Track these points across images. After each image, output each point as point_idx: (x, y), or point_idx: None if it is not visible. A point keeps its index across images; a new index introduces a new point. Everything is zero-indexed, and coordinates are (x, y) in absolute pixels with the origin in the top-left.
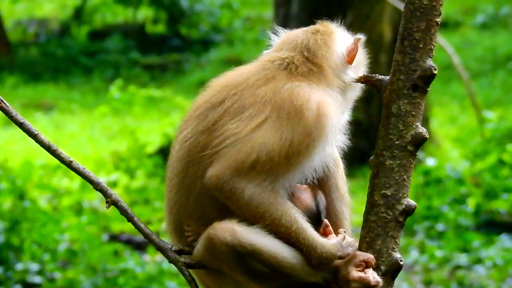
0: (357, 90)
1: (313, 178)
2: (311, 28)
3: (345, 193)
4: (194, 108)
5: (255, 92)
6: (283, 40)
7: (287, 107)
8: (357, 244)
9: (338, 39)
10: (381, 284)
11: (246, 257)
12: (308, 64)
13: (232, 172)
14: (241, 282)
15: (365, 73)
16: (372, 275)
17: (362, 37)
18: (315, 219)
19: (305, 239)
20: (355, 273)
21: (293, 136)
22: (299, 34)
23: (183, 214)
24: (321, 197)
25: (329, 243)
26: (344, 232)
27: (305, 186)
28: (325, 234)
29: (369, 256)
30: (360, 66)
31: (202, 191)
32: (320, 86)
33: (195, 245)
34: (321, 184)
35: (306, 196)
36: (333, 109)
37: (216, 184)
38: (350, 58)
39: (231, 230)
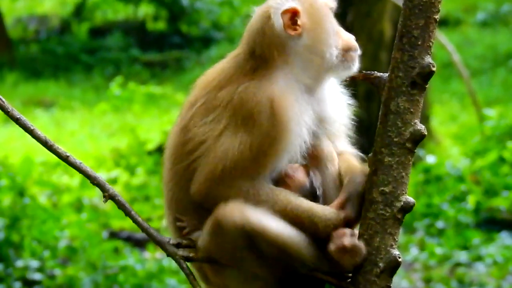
0: (323, 51)
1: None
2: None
3: (337, 163)
4: (183, 105)
5: (217, 95)
6: (246, 29)
7: (241, 113)
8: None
9: (273, 12)
10: (357, 245)
11: (254, 238)
12: (253, 57)
13: (210, 184)
14: (246, 270)
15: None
16: (348, 240)
17: None
18: (311, 196)
19: (303, 212)
20: (331, 245)
21: (252, 140)
22: (250, 21)
23: (179, 208)
24: (315, 173)
25: (328, 207)
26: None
27: (297, 164)
28: None
29: (347, 230)
30: (317, 26)
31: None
32: (271, 79)
33: (195, 238)
34: (315, 156)
35: (299, 175)
36: (289, 100)
37: (200, 199)
38: (290, 28)
39: (239, 209)
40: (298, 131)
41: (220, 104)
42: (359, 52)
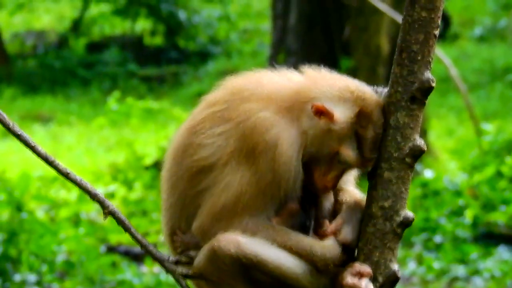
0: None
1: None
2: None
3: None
4: (200, 101)
5: (240, 106)
6: (313, 80)
7: (247, 145)
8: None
9: None
10: None
11: (250, 268)
12: (296, 100)
13: (210, 221)
14: None
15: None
16: (365, 284)
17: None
18: (300, 224)
19: (303, 250)
20: (349, 279)
21: (251, 179)
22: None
23: (175, 217)
24: (307, 204)
25: (327, 243)
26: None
27: None
28: (324, 237)
29: (366, 269)
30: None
31: (188, 193)
32: (291, 125)
33: (194, 255)
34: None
35: (292, 202)
36: (293, 150)
37: (201, 236)
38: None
39: (235, 241)
40: (296, 178)
41: (235, 119)
42: None
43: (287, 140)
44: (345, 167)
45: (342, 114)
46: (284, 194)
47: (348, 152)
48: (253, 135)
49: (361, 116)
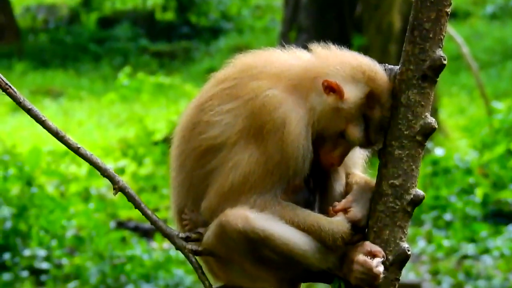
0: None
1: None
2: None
3: (343, 175)
4: (210, 78)
5: (248, 84)
6: (324, 58)
7: (256, 124)
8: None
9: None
10: (382, 275)
11: (258, 244)
12: (304, 76)
13: (218, 201)
14: (250, 271)
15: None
16: (376, 263)
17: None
18: (304, 200)
19: (311, 225)
20: (361, 256)
21: (259, 159)
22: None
23: (183, 196)
24: (312, 180)
25: (335, 219)
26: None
27: None
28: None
29: (377, 249)
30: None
31: (196, 173)
32: (298, 102)
33: (203, 232)
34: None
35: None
36: (300, 127)
37: (210, 216)
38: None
39: (243, 216)
40: (305, 156)
41: (243, 96)
42: None
43: (295, 118)
44: (351, 145)
45: (352, 93)
46: (293, 174)
47: (354, 132)
48: (261, 114)
49: (371, 97)
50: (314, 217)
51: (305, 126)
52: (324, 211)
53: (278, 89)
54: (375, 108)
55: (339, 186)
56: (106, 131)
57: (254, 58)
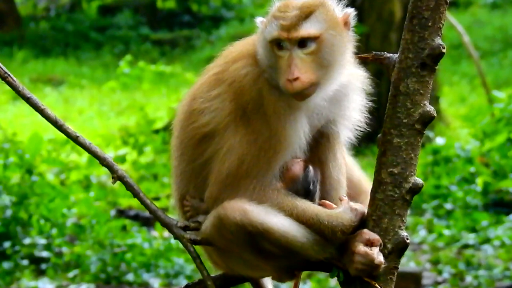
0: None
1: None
2: None
3: (342, 163)
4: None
5: (230, 68)
6: None
7: (241, 104)
8: (363, 208)
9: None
10: (383, 266)
11: (256, 237)
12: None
13: (218, 189)
14: (249, 260)
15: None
16: (377, 254)
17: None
18: (304, 190)
19: (310, 218)
20: (361, 247)
21: (249, 139)
22: None
23: (185, 184)
24: (312, 169)
25: (335, 211)
26: (345, 197)
27: (298, 159)
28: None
29: (375, 237)
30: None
31: (195, 162)
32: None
33: (202, 221)
34: (319, 154)
35: (295, 168)
36: (275, 97)
37: (212, 205)
38: None
39: (241, 209)
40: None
41: (226, 80)
42: None
43: (267, 89)
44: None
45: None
46: (287, 145)
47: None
48: (242, 94)
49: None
50: (313, 210)
51: (276, 88)
52: (324, 199)
53: (251, 66)
54: None
55: (337, 173)
56: (107, 119)
57: (237, 44)
